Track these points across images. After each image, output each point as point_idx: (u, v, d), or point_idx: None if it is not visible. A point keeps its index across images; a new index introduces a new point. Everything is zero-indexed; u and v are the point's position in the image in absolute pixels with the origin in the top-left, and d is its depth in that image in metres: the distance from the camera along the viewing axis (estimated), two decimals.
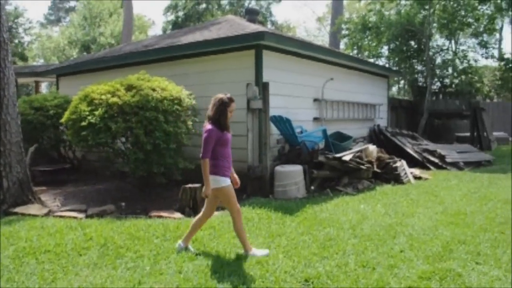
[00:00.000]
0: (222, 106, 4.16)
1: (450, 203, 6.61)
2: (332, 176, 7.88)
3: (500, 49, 18.95)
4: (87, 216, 5.93)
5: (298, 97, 9.07)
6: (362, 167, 7.97)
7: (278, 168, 7.22)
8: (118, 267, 3.96)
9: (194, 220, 4.50)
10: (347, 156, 7.83)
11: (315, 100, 9.71)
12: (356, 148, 8.72)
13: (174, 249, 4.37)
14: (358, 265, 3.97)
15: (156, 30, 40.14)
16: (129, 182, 7.94)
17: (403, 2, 18.02)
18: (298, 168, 7.25)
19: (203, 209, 4.44)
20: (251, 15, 11.31)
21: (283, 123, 7.85)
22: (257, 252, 4.23)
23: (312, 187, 7.55)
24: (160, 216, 5.78)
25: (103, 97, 6.86)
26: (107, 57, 10.69)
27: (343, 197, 6.96)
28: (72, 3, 46.19)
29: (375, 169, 8.43)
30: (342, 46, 24.51)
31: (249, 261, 4.05)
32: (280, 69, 8.56)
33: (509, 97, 24.09)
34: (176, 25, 30.20)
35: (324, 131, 8.69)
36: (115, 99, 6.78)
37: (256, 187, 7.20)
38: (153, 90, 7.04)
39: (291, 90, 8.74)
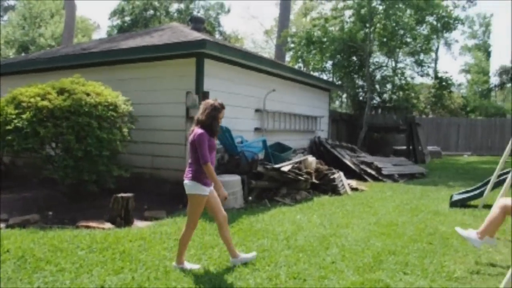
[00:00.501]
0: (214, 112, 4.09)
1: (383, 214, 6.79)
2: (270, 187, 7.88)
3: (435, 68, 20.11)
4: (7, 226, 5.52)
5: (239, 107, 9.04)
6: (301, 178, 8.03)
7: None
8: (35, 281, 3.68)
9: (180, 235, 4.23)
10: (286, 167, 7.88)
11: (257, 110, 9.73)
12: (296, 159, 8.80)
13: (99, 262, 4.13)
14: (289, 277, 3.93)
15: (101, 34, 38.88)
16: (59, 190, 7.50)
17: (346, 19, 18.65)
18: (236, 178, 7.17)
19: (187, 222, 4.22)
20: (196, 23, 11.20)
21: (222, 133, 7.76)
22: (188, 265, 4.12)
23: (250, 198, 7.50)
24: (88, 227, 5.47)
25: (32, 100, 6.48)
26: (41, 59, 10.16)
27: (280, 208, 6.97)
28: (11, 2, 43.85)
29: (314, 180, 8.54)
30: (287, 58, 24.95)
31: (179, 274, 3.90)
32: (222, 78, 8.51)
33: (442, 114, 25.54)
34: (122, 30, 29.48)
35: (264, 142, 8.71)
36: (45, 103, 6.42)
37: None
38: (87, 94, 6.74)
39: (232, 100, 8.69)
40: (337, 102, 29.29)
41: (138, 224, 5.81)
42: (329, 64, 20.88)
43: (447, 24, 16.46)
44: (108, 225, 5.62)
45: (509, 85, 15.94)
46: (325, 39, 16.98)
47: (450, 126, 22.58)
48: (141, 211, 6.38)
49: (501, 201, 4.42)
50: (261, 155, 8.91)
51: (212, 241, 4.95)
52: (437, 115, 25.47)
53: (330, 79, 20.28)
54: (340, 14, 18.57)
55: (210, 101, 4.20)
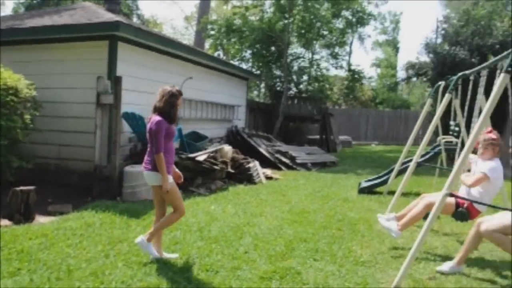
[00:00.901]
0: (173, 98, 3.99)
1: (296, 202, 6.98)
2: (185, 177, 7.67)
3: (349, 61, 21.10)
4: None
5: (155, 94, 8.71)
6: (216, 167, 7.99)
7: (128, 168, 6.81)
8: None
9: (165, 220, 4.12)
10: (201, 156, 7.78)
11: None
12: (212, 149, 8.73)
13: None
14: (202, 269, 3.87)
15: (6, 11, 35.39)
16: None
17: (266, 9, 18.80)
18: None
19: (156, 213, 4.20)
20: (111, 4, 10.51)
21: (136, 121, 7.46)
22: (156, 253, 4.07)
23: None
24: None
25: None
26: None
27: (194, 198, 6.87)
28: None
29: (229, 169, 8.54)
30: (207, 46, 24.64)
31: (82, 272, 3.66)
32: (137, 63, 8.16)
33: (354, 105, 26.89)
34: (31, 8, 27.03)
35: (180, 130, 8.51)
36: None
37: (104, 188, 6.69)
38: None
39: (147, 86, 8.36)
40: (255, 92, 29.61)
41: (40, 219, 5.38)
42: (248, 53, 21.02)
43: (361, 19, 17.27)
44: (5, 221, 5.14)
45: (414, 79, 17.11)
46: (245, 28, 16.99)
47: (361, 117, 23.90)
48: (44, 206, 5.90)
49: (427, 199, 4.56)
50: (176, 144, 8.70)
51: (122, 235, 4.73)
52: (349, 106, 26.76)
53: (249, 69, 20.39)
54: (260, 4, 18.67)
55: (167, 87, 4.07)
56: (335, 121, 19.06)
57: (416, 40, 63.32)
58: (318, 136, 17.59)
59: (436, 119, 5.90)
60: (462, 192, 4.56)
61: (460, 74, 5.75)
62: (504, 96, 3.79)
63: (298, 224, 5.54)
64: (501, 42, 12.59)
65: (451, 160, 7.90)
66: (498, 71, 4.53)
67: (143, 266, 3.86)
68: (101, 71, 7.33)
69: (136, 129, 7.58)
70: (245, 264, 4.03)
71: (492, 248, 4.64)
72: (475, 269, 4.09)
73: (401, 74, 35.32)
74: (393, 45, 43.40)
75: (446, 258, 4.35)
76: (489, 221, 3.90)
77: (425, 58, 19.36)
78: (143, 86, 8.25)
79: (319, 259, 4.24)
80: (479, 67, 5.30)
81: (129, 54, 7.88)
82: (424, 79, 15.84)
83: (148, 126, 3.99)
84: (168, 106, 3.97)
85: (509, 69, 3.18)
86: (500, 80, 3.22)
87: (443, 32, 14.54)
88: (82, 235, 4.63)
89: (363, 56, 66.17)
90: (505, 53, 4.06)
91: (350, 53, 34.33)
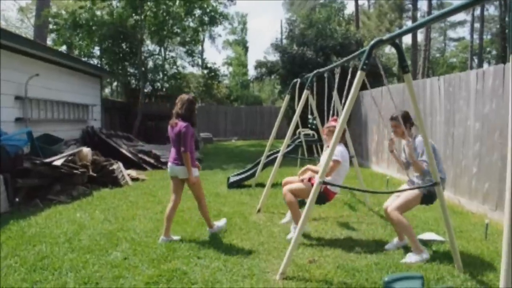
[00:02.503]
0: (192, 105, 4.65)
1: (167, 201, 6.74)
2: (42, 184, 6.93)
3: (203, 59, 21.20)
4: None
5: None
6: (76, 172, 7.34)
7: None
8: None
9: (167, 212, 4.76)
10: (58, 161, 7.06)
11: (17, 98, 8.41)
12: (69, 152, 7.99)
13: None
14: (79, 283, 3.52)
15: None
16: None
17: (115, 3, 17.82)
18: None
19: (173, 199, 4.86)
20: None
21: None
22: (219, 223, 5.07)
23: (17, 199, 6.45)
24: None
25: None
26: None
27: (56, 207, 6.22)
28: None
29: (91, 173, 7.93)
30: (50, 42, 22.39)
31: None
32: None
33: (210, 102, 27.30)
34: None
35: (30, 133, 7.62)
36: None
37: None
38: None
39: None
40: (107, 90, 28.02)
41: None
42: (97, 50, 19.72)
43: (213, 18, 17.52)
44: None
45: (266, 78, 18.09)
46: (93, 23, 15.87)
47: (219, 113, 24.39)
48: None
49: (286, 187, 4.90)
50: (26, 149, 7.76)
51: None
52: (205, 103, 27.10)
53: (99, 66, 19.17)
54: None
55: (185, 96, 4.71)
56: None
57: (262, 40, 67.18)
58: None
59: (297, 114, 6.32)
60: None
61: (315, 72, 6.26)
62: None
63: (175, 224, 5.38)
64: (341, 43, 14.11)
65: (309, 151, 8.60)
66: (350, 69, 5.09)
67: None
68: None
69: None
70: (127, 271, 3.79)
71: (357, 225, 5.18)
72: (348, 247, 4.51)
73: (252, 72, 37.26)
74: (242, 45, 45.30)
75: (320, 240, 4.71)
76: (394, 202, 4.33)
77: (272, 57, 20.53)
78: None
79: (203, 256, 4.21)
80: (332, 65, 5.85)
81: None
82: (276, 76, 16.83)
83: (175, 129, 4.59)
84: (189, 113, 4.62)
85: (364, 67, 3.56)
86: (357, 77, 3.58)
87: (291, 33, 15.65)
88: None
89: (215, 54, 67.80)
90: (357, 52, 4.55)
91: (202, 52, 34.82)
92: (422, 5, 43.07)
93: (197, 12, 17.74)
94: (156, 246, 4.48)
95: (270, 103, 39.30)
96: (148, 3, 16.45)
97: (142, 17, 16.39)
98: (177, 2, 16.95)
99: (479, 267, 3.94)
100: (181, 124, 4.56)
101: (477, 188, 6.30)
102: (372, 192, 6.32)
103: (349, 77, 4.75)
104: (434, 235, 4.93)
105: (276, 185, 8.00)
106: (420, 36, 34.88)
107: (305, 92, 6.11)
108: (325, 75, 6.01)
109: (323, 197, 4.72)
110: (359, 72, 3.58)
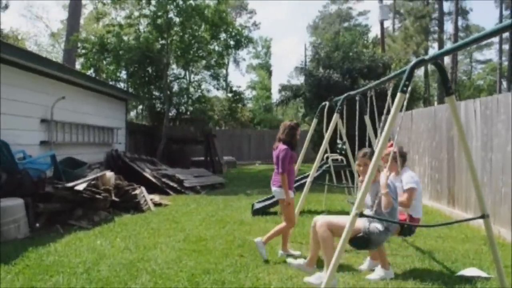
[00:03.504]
0: (293, 130, 5.08)
1: (191, 229, 6.55)
2: (63, 209, 6.79)
3: (227, 82, 21.13)
4: None
5: (20, 116, 7.63)
6: (99, 196, 7.19)
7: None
8: None
9: (277, 228, 5.08)
10: (81, 185, 6.92)
11: (43, 121, 8.40)
12: (92, 176, 7.87)
13: None
14: None
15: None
16: None
17: (142, 28, 18.11)
18: (17, 202, 5.91)
19: (284, 219, 5.09)
20: None
21: None
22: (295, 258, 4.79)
23: (38, 224, 6.30)
24: None
25: None
26: None
27: (76, 233, 6.03)
28: None
29: (114, 198, 7.77)
30: (78, 66, 22.89)
31: None
32: None
33: (234, 126, 27.28)
34: None
35: (53, 157, 7.54)
36: None
37: None
38: None
39: (10, 107, 7.27)
40: (132, 113, 28.37)
41: None
42: (123, 74, 20.01)
43: (239, 41, 17.58)
44: None
45: (290, 101, 17.97)
46: (120, 48, 16.10)
47: (242, 137, 24.23)
48: None
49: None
50: (49, 173, 7.68)
51: None
52: (229, 127, 27.08)
53: (125, 89, 19.39)
54: (135, 22, 17.93)
55: (287, 122, 5.21)
56: (218, 142, 19.01)
57: (285, 64, 67.56)
58: (202, 158, 17.29)
59: (327, 138, 6.02)
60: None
61: (345, 94, 5.98)
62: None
63: (198, 254, 5.14)
64: (368, 66, 13.85)
65: (338, 177, 8.25)
66: (388, 91, 4.79)
67: None
68: None
69: None
70: None
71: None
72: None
73: (276, 96, 37.25)
74: (265, 69, 45.49)
75: (354, 273, 4.34)
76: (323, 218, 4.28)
77: (296, 81, 20.29)
78: (4, 107, 7.13)
79: None
80: (364, 87, 5.57)
81: None
82: (301, 100, 16.63)
83: (275, 153, 5.00)
84: (289, 137, 5.05)
85: (405, 88, 3.28)
86: (397, 99, 3.30)
87: (316, 56, 15.49)
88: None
89: (239, 78, 68.41)
90: (394, 73, 4.27)
91: (226, 75, 35.08)
92: (448, 28, 42.53)
93: (223, 35, 17.84)
94: (178, 279, 4.20)
95: None
96: (175, 28, 16.63)
97: (169, 41, 16.56)
98: (203, 27, 17.11)
99: None
100: (281, 147, 4.97)
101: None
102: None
103: (388, 99, 4.43)
104: (478, 270, 4.51)
105: (302, 212, 7.67)
106: (446, 59, 34.32)
107: (335, 116, 5.83)
108: (357, 98, 5.73)
109: (408, 229, 4.50)
110: (398, 94, 3.30)
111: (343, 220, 3.93)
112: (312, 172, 6.08)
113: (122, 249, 5.31)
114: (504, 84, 36.01)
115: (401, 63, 15.56)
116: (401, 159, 4.68)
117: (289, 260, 4.63)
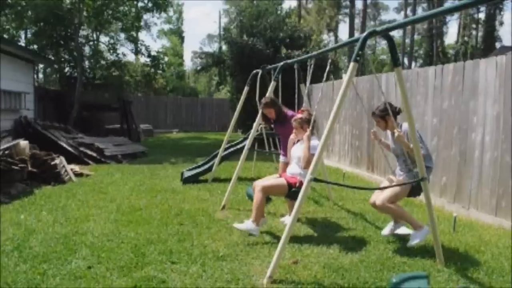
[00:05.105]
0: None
1: (121, 199, 6.29)
2: None
3: (147, 46, 19.77)
4: None
5: None
6: (15, 167, 6.58)
7: None
8: None
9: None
10: None
11: None
12: (4, 145, 7.16)
13: None
14: None
15: None
16: None
17: None
18: None
19: None
20: None
21: None
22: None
23: None
24: None
25: None
26: None
27: None
28: None
29: (31, 168, 7.18)
30: None
31: None
32: None
33: (148, 93, 26.27)
34: None
35: None
36: None
37: None
38: None
39: None
40: (39, 77, 26.00)
41: None
42: (24, 33, 18.18)
43: (157, 4, 16.69)
44: None
45: (211, 68, 17.64)
46: (24, 3, 14.52)
47: (158, 104, 23.44)
48: None
49: (256, 184, 4.64)
50: None
51: None
52: (143, 94, 26.03)
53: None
54: None
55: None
56: (134, 109, 18.24)
57: (196, 30, 66.10)
58: (118, 126, 16.51)
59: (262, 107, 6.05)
60: (292, 171, 4.74)
61: (282, 62, 6.04)
62: None
63: (136, 224, 4.96)
64: (290, 36, 14.03)
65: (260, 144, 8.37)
66: (329, 60, 4.91)
67: None
68: None
69: None
70: (95, 282, 3.34)
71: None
72: (325, 244, 4.34)
73: (188, 63, 36.25)
74: (178, 34, 44.14)
75: (295, 238, 4.49)
76: (381, 195, 4.27)
77: (208, 48, 19.85)
78: None
79: (177, 261, 3.82)
80: (305, 56, 5.66)
81: None
82: (223, 67, 16.42)
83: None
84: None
85: (358, 58, 3.38)
86: (350, 69, 3.40)
87: (240, 24, 15.29)
88: None
89: (151, 43, 65.74)
90: (344, 42, 4.38)
91: (137, 40, 33.34)
92: (358, 4, 44.54)
93: None
94: (122, 251, 4.02)
95: (207, 95, 38.74)
96: None
97: None
98: None
99: (457, 260, 3.94)
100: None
101: (433, 182, 6.43)
102: (365, 189, 6.16)
103: (327, 68, 4.55)
104: (407, 229, 4.93)
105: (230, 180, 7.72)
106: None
107: (272, 84, 5.88)
108: (295, 66, 5.81)
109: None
110: (351, 64, 3.39)
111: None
112: (250, 140, 6.12)
113: (51, 222, 4.94)
114: (406, 60, 38.74)
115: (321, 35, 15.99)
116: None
117: (235, 224, 4.64)
